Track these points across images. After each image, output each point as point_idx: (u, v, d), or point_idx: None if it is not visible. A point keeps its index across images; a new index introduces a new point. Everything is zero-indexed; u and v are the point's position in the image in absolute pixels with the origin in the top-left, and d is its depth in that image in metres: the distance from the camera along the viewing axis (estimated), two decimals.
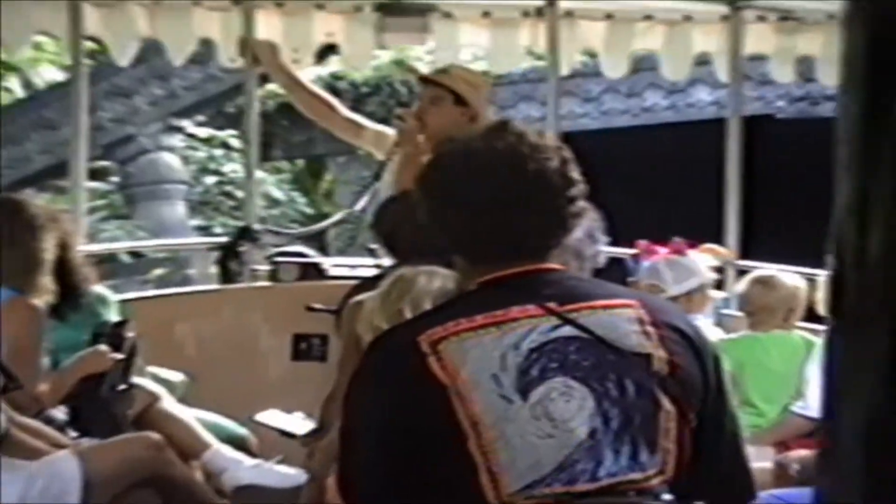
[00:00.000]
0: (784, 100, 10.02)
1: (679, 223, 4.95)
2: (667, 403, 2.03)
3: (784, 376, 4.35)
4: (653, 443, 2.02)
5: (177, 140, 14.32)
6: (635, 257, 4.86)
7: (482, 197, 2.10)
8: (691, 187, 8.42)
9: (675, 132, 10.48)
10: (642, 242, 4.86)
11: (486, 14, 5.82)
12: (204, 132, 14.60)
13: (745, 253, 5.79)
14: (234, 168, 13.99)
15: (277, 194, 14.56)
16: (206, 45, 5.78)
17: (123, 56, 5.67)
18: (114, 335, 4.07)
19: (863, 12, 1.28)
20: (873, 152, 1.25)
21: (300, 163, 16.05)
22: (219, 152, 14.54)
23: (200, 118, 14.74)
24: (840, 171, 1.30)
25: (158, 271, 12.43)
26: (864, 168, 1.27)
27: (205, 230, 13.21)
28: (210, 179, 14.42)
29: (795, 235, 5.31)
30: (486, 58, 6.13)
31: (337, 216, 5.56)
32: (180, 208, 13.83)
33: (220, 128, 14.56)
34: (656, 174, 9.90)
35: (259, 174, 13.58)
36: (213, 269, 5.33)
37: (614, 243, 3.86)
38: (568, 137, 5.82)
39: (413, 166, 4.14)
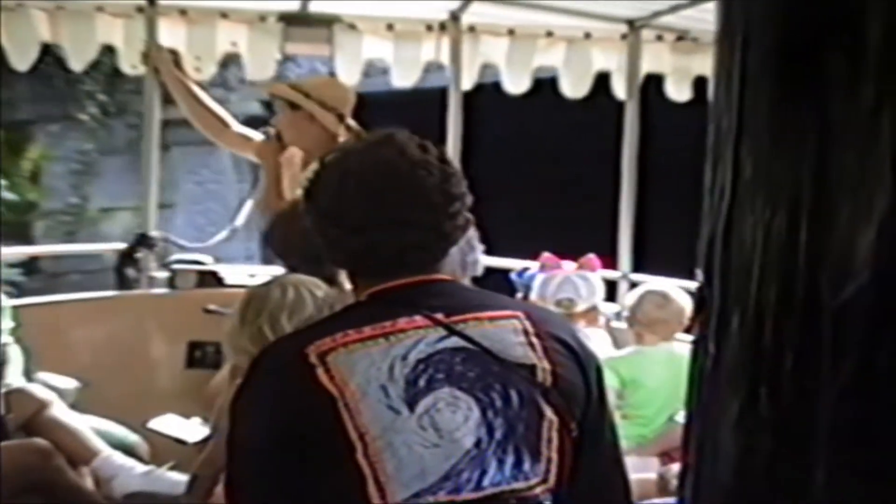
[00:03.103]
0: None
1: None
2: (549, 413, 2.05)
3: (670, 387, 4.42)
4: (536, 452, 2.04)
5: None
6: (522, 271, 4.93)
7: (357, 215, 2.11)
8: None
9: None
10: (547, 255, 4.93)
11: (389, 27, 5.87)
12: None
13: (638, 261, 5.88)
14: None
15: None
16: (109, 52, 5.74)
17: (23, 61, 5.60)
18: None
19: None
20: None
21: None
22: None
23: None
24: (708, 193, 1.25)
25: None
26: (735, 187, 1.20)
27: None
28: None
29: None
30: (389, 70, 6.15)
31: (224, 233, 5.46)
32: None
33: None
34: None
35: None
36: None
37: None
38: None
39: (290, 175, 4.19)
